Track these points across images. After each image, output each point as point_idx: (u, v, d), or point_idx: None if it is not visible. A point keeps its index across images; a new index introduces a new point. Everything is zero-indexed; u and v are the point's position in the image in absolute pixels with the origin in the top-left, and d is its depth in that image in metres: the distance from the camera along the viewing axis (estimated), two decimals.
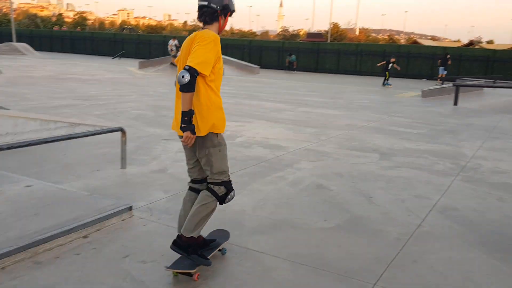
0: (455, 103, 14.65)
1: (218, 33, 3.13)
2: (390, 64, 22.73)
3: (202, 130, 3.02)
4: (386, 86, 22.27)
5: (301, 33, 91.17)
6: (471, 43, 61.28)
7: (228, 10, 3.14)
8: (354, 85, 22.82)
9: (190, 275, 3.09)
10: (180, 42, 27.17)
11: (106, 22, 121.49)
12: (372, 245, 3.75)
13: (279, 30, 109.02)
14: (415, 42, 64.33)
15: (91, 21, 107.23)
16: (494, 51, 32.08)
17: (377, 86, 22.66)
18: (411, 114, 12.22)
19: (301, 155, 6.83)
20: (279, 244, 3.68)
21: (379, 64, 25.03)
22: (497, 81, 23.04)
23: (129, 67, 27.49)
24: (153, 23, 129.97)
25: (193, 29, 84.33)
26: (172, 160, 6.17)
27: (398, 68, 23.65)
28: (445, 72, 24.79)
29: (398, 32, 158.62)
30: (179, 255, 3.18)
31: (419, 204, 4.81)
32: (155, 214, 4.18)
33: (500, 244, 3.91)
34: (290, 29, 77.83)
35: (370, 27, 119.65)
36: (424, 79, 29.13)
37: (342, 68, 33.70)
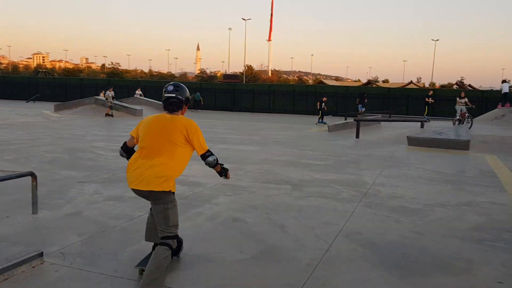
0: (357, 136, 15.54)
1: None
2: (323, 103, 23.49)
3: (171, 186, 3.49)
4: (319, 124, 22.42)
5: (218, 74, 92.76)
6: (369, 82, 65.88)
7: (188, 101, 3.78)
8: (268, 122, 23.44)
9: None
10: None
11: (20, 66, 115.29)
12: (285, 272, 3.81)
13: (197, 72, 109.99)
14: (321, 82, 67.87)
15: (4, 65, 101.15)
16: (389, 89, 34.76)
17: (288, 122, 23.45)
18: (319, 147, 12.76)
19: (219, 190, 6.82)
20: (195, 279, 3.61)
21: (319, 107, 25.18)
22: (392, 115, 24.89)
23: (44, 110, 26.10)
24: (70, 66, 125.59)
25: (111, 72, 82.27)
26: (87, 202, 5.87)
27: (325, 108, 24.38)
28: (363, 109, 26.38)
29: (306, 73, 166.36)
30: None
31: (327, 230, 4.98)
32: (68, 259, 3.92)
33: (398, 262, 4.13)
34: (208, 71, 78.89)
35: (281, 69, 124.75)
36: (330, 115, 30.63)
37: (256, 107, 34.59)
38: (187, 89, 3.77)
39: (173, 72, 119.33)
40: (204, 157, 3.64)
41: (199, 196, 6.39)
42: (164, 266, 3.27)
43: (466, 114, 19.54)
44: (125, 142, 3.85)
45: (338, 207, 5.99)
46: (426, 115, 24.10)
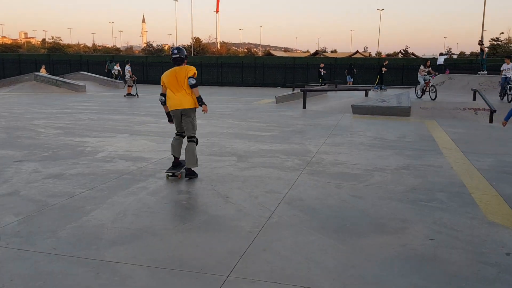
0: (304, 107, 15.76)
1: None
2: (321, 70, 24.77)
3: (195, 104, 5.88)
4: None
5: (166, 47, 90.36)
6: (316, 52, 66.50)
7: (186, 58, 6.03)
8: (216, 95, 23.29)
9: (176, 175, 5.98)
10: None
11: None
12: (227, 240, 3.87)
13: (143, 45, 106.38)
14: (269, 54, 67.79)
15: None
16: (336, 59, 35.29)
17: (237, 95, 23.37)
18: (266, 118, 12.86)
19: (164, 164, 6.76)
20: (137, 252, 3.60)
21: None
22: (338, 85, 25.37)
23: None
24: (8, 41, 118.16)
25: (52, 47, 78.06)
26: (25, 181, 5.66)
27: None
28: (352, 80, 26.63)
29: (256, 45, 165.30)
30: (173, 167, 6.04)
31: (270, 198, 5.08)
32: (3, 239, 3.80)
33: (337, 226, 4.30)
34: (155, 44, 76.70)
35: (230, 41, 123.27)
36: (278, 87, 30.83)
37: (205, 80, 34.21)
38: (184, 50, 6.04)
39: (118, 46, 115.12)
40: (190, 79, 5.74)
41: (143, 171, 6.32)
42: (194, 149, 5.89)
43: (430, 84, 16.90)
44: (161, 93, 6.10)
45: (282, 176, 6.11)
46: (378, 84, 24.03)
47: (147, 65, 35.59)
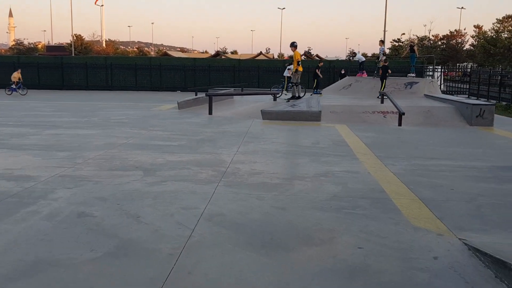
0: (210, 113, 15.85)
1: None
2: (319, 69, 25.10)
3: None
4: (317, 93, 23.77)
5: (40, 46, 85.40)
6: (217, 53, 67.27)
7: (295, 46, 17.51)
8: (108, 101, 22.50)
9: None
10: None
11: None
12: (146, 266, 3.77)
13: (11, 43, 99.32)
14: (166, 54, 67.11)
15: None
16: (239, 60, 35.93)
17: (132, 100, 22.80)
18: (170, 126, 12.71)
19: (56, 183, 6.38)
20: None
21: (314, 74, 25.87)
22: (244, 89, 25.89)
23: None
24: None
25: None
26: None
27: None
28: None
29: (147, 44, 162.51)
30: None
31: (188, 215, 5.04)
32: None
33: (264, 241, 4.39)
34: (26, 42, 72.21)
35: (117, 39, 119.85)
36: (178, 91, 30.60)
37: (91, 84, 32.90)
38: (295, 42, 17.25)
39: None
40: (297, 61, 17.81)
41: (31, 192, 5.90)
42: (294, 88, 17.94)
43: None
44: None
45: (197, 190, 6.09)
46: (315, 88, 24.37)
47: (20, 67, 33.25)
